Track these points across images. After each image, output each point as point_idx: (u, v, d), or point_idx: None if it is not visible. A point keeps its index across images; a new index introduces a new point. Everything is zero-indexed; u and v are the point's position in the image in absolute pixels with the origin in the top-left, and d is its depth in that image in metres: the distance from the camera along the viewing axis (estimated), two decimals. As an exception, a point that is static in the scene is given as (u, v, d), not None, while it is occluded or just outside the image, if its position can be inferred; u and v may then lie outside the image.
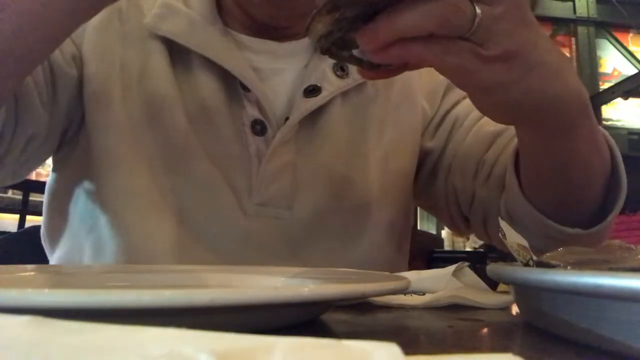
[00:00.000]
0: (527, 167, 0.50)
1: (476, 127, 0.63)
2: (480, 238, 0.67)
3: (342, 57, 0.38)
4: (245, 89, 0.57)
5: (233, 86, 0.57)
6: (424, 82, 0.68)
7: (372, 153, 0.62)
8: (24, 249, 0.61)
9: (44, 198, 0.62)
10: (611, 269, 0.28)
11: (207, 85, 0.57)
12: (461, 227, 0.67)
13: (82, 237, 0.57)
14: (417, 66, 0.39)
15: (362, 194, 0.61)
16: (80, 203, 0.57)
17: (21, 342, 0.12)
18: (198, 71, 0.57)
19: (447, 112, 0.67)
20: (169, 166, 0.55)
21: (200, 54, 0.56)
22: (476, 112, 0.64)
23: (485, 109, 0.41)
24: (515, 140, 0.54)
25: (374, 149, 0.62)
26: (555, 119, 0.42)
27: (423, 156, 0.67)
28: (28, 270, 0.40)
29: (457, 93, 0.68)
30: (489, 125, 0.62)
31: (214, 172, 0.55)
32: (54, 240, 0.60)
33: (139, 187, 0.54)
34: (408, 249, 0.69)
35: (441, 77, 0.67)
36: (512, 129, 0.59)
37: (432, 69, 0.71)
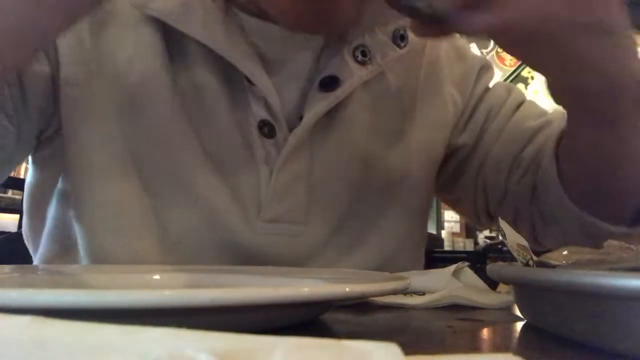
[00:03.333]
0: (571, 155, 0.47)
1: (513, 121, 0.59)
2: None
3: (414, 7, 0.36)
4: (251, 81, 0.48)
5: (236, 78, 0.49)
6: (454, 69, 0.61)
7: (397, 152, 0.56)
8: (24, 249, 0.61)
9: (24, 196, 0.56)
10: (611, 269, 0.28)
11: (206, 78, 0.49)
12: (483, 221, 0.63)
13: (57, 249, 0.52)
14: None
15: (382, 201, 0.55)
16: (55, 210, 0.52)
17: (21, 342, 0.12)
18: (196, 60, 0.49)
19: (478, 102, 0.61)
20: (161, 179, 0.48)
21: (198, 39, 0.47)
22: (511, 103, 0.60)
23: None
24: (556, 133, 0.51)
25: (398, 148, 0.56)
26: (607, 103, 0.40)
27: (452, 151, 0.61)
28: (28, 271, 0.40)
29: (487, 81, 0.63)
30: (528, 120, 0.58)
31: (216, 184, 0.48)
32: (35, 242, 0.56)
33: (122, 205, 0.48)
34: (423, 252, 0.64)
35: (471, 63, 0.63)
36: (552, 126, 0.56)
37: (462, 53, 0.65)
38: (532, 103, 0.62)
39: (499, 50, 7.13)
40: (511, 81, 6.91)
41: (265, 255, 0.49)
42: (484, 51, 7.11)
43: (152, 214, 0.48)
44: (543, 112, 0.60)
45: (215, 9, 0.48)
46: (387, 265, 0.54)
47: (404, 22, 0.52)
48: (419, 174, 0.58)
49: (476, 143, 0.60)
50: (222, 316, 0.23)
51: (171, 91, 0.49)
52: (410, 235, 0.59)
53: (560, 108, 0.45)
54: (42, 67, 0.48)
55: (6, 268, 0.38)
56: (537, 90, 7.06)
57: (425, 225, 0.64)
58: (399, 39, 0.53)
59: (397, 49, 0.53)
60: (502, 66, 7.16)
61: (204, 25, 0.47)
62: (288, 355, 0.12)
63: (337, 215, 0.52)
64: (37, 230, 0.55)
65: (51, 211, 0.53)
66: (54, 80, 0.49)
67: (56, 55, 0.48)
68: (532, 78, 7.14)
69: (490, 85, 0.64)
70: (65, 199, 0.51)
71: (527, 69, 7.07)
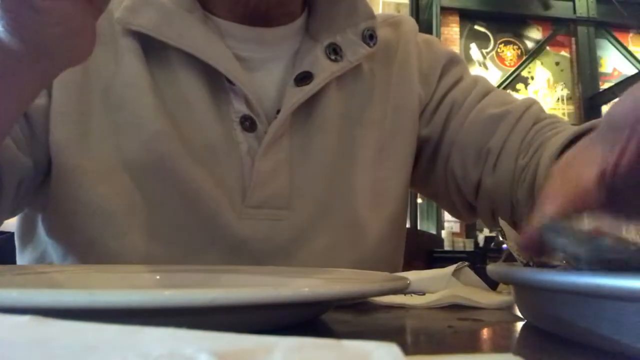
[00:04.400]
0: None
1: (475, 110, 0.60)
2: (488, 226, 0.64)
3: None
4: (231, 82, 0.52)
5: (218, 80, 0.53)
6: (421, 64, 0.64)
7: (372, 143, 0.59)
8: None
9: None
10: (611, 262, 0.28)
11: (188, 82, 0.52)
12: (464, 214, 0.64)
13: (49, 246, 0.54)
14: None
15: (361, 188, 0.58)
16: (42, 220, 0.54)
17: (21, 342, 0.12)
18: (177, 67, 0.53)
19: (444, 96, 0.63)
20: (150, 175, 0.51)
21: (179, 47, 0.51)
22: (475, 94, 0.61)
23: None
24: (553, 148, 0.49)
25: (373, 139, 0.59)
26: None
27: (420, 144, 0.64)
28: (28, 270, 0.40)
29: (454, 74, 0.64)
30: (489, 107, 0.59)
31: (202, 175, 0.51)
32: (24, 243, 0.58)
33: (115, 205, 0.50)
34: (404, 244, 0.66)
35: (438, 57, 0.65)
36: (515, 112, 0.56)
37: (431, 48, 0.66)
38: (498, 92, 0.63)
39: (499, 50, 7.13)
40: (511, 81, 6.92)
41: (251, 240, 0.52)
42: (484, 51, 7.10)
43: (142, 208, 0.51)
44: (506, 101, 0.60)
45: (194, 19, 0.53)
46: (374, 251, 0.57)
47: (372, 23, 0.58)
48: (395, 160, 0.60)
49: (441, 136, 0.62)
50: (222, 316, 0.24)
51: (155, 95, 0.52)
52: (394, 221, 0.61)
53: (527, 95, 0.42)
54: (41, 100, 0.51)
55: (7, 268, 0.38)
56: (537, 90, 7.06)
57: (405, 212, 0.65)
58: (368, 38, 0.57)
59: (367, 47, 0.57)
60: (502, 66, 7.16)
61: (185, 34, 0.52)
62: (288, 355, 0.12)
63: (319, 201, 0.55)
64: (27, 240, 0.57)
65: (41, 229, 0.55)
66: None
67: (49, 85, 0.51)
68: (532, 78, 7.14)
69: (459, 79, 0.64)
70: (55, 210, 0.52)
71: (527, 68, 7.08)
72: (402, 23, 0.66)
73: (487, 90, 0.62)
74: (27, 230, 0.57)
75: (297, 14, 0.59)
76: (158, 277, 0.40)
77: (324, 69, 0.55)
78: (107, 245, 0.50)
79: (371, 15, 0.59)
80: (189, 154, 0.51)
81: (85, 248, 0.51)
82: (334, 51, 0.56)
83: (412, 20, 0.67)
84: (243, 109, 0.53)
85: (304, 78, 0.54)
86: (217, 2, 0.55)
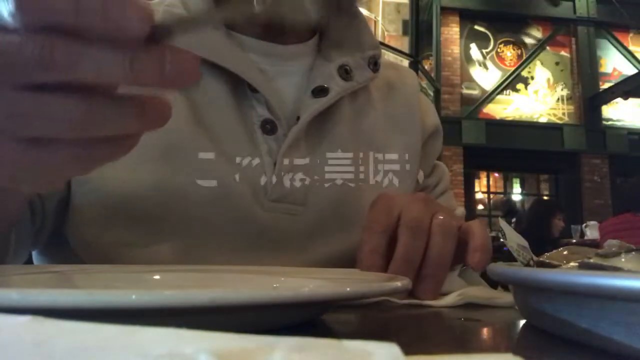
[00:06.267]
0: None
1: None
2: None
3: None
4: (253, 90, 0.58)
5: (241, 88, 0.58)
6: (426, 124, 0.71)
7: (380, 151, 0.65)
8: (24, 249, 0.61)
9: None
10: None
11: (213, 88, 0.58)
12: None
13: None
14: None
15: (370, 196, 0.62)
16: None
17: (21, 342, 0.12)
18: (204, 76, 0.57)
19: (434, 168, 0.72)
20: (182, 173, 0.54)
21: (206, 58, 0.56)
22: (439, 189, 0.73)
23: None
24: None
25: (381, 148, 0.65)
26: None
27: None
28: (28, 271, 0.40)
29: (439, 145, 0.74)
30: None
31: (229, 171, 0.56)
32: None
33: (144, 199, 0.53)
34: None
35: (430, 121, 0.72)
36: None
37: (427, 108, 0.76)
38: (449, 194, 0.75)
39: (499, 50, 7.12)
40: (511, 81, 6.92)
41: (271, 230, 0.57)
42: (484, 51, 7.10)
43: (174, 201, 0.54)
44: (452, 205, 0.71)
45: (219, 34, 0.58)
46: None
47: (377, 52, 0.66)
48: (401, 177, 0.66)
49: None
50: (222, 316, 0.24)
51: (185, 100, 0.56)
52: None
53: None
54: None
55: (7, 268, 0.38)
56: (537, 90, 7.05)
57: None
58: (373, 64, 0.65)
59: (372, 72, 0.65)
60: (502, 66, 7.16)
61: (212, 47, 0.57)
62: (288, 355, 0.12)
63: (331, 200, 0.60)
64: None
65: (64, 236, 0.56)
66: None
67: None
68: (532, 78, 7.14)
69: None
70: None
71: (527, 68, 7.08)
72: (405, 70, 0.78)
73: (445, 188, 0.74)
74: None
75: (308, 35, 0.65)
76: (158, 277, 0.40)
77: (338, 85, 0.61)
78: (136, 242, 0.53)
79: (377, 46, 0.66)
80: (217, 155, 0.56)
81: (113, 249, 0.53)
82: (345, 71, 0.62)
83: (414, 73, 0.78)
84: (265, 114, 0.58)
85: (320, 91, 0.60)
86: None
